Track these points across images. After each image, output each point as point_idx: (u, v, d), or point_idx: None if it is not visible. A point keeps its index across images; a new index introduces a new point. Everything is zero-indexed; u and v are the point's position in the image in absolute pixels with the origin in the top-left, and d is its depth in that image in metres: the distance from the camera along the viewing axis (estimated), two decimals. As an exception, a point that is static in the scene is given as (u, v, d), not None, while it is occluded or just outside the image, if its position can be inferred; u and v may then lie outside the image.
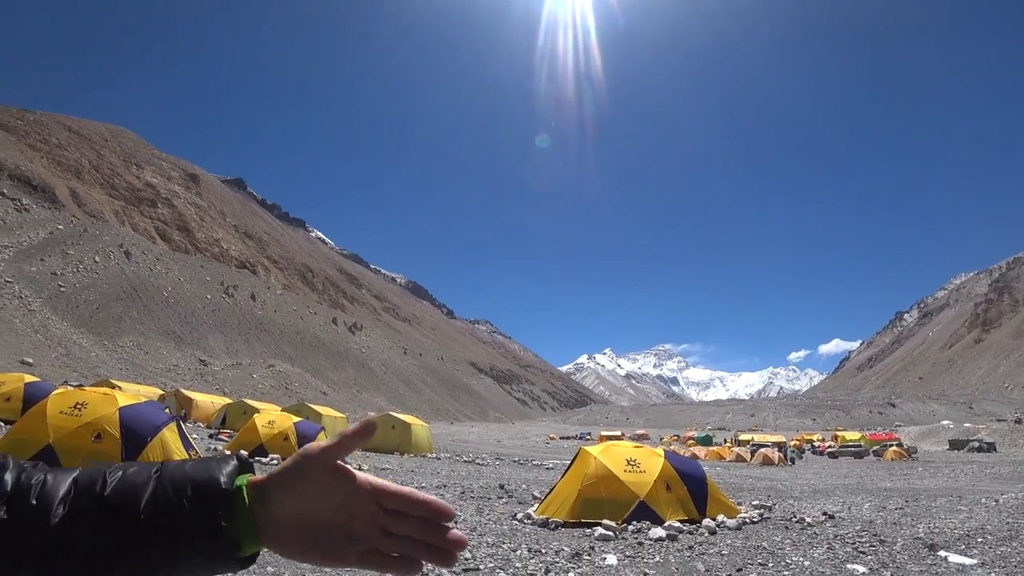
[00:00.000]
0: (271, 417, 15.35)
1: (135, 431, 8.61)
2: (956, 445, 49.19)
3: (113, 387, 24.14)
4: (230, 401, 30.46)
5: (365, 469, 14.24)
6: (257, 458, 13.40)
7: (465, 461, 21.77)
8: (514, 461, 23.65)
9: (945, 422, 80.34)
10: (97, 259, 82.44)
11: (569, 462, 9.39)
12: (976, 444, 46.34)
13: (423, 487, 12.06)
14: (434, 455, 23.38)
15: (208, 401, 30.09)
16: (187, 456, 8.97)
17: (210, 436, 19.95)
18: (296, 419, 15.45)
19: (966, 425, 72.42)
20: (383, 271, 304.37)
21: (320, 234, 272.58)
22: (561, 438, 72.41)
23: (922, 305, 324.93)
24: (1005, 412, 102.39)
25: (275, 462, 13.09)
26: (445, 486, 12.52)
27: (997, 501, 12.15)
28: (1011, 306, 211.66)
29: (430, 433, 26.02)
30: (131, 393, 13.07)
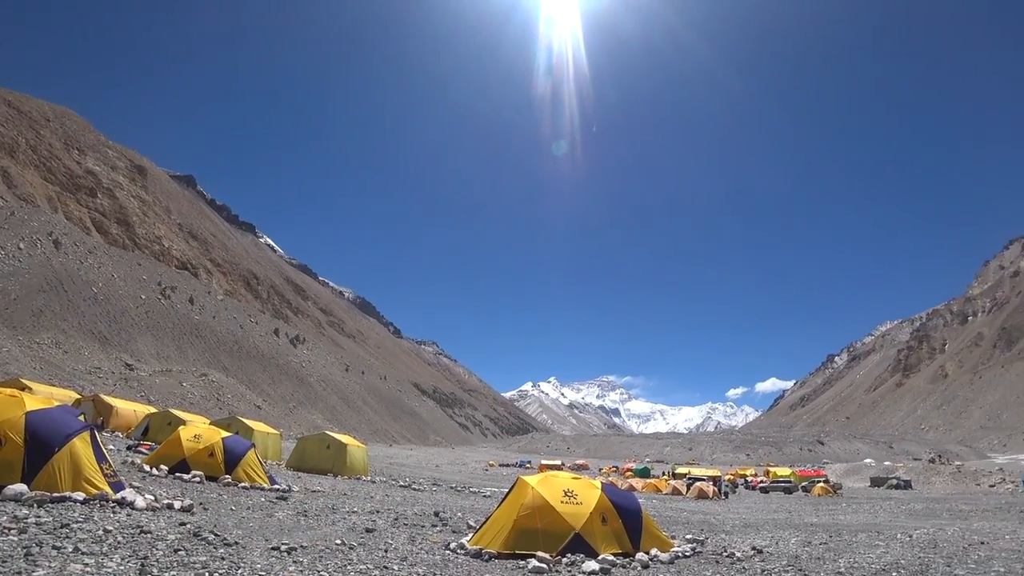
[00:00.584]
0: (198, 430, 14.49)
1: (41, 439, 7.91)
2: (877, 482, 51.55)
3: (23, 388, 22.34)
4: (155, 410, 28.71)
5: (296, 491, 13.67)
6: (178, 474, 12.63)
7: (401, 486, 21.20)
8: (451, 487, 23.22)
9: (868, 460, 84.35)
10: (22, 246, 76.95)
11: (507, 491, 9.26)
12: (894, 482, 48.80)
13: (355, 512, 11.63)
14: (369, 478, 22.65)
15: (130, 409, 28.20)
16: (98, 469, 8.34)
17: (128, 448, 18.68)
18: (225, 434, 14.59)
19: (886, 463, 76.31)
20: (332, 284, 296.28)
21: (270, 241, 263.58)
22: (501, 465, 71.70)
23: (851, 349, 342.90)
24: (921, 452, 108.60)
25: (197, 479, 12.36)
26: (378, 512, 12.11)
27: (911, 536, 12.79)
28: (929, 353, 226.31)
29: (367, 455, 25.22)
30: (42, 396, 12.06)
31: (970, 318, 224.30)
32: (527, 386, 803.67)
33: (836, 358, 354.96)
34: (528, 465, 73.20)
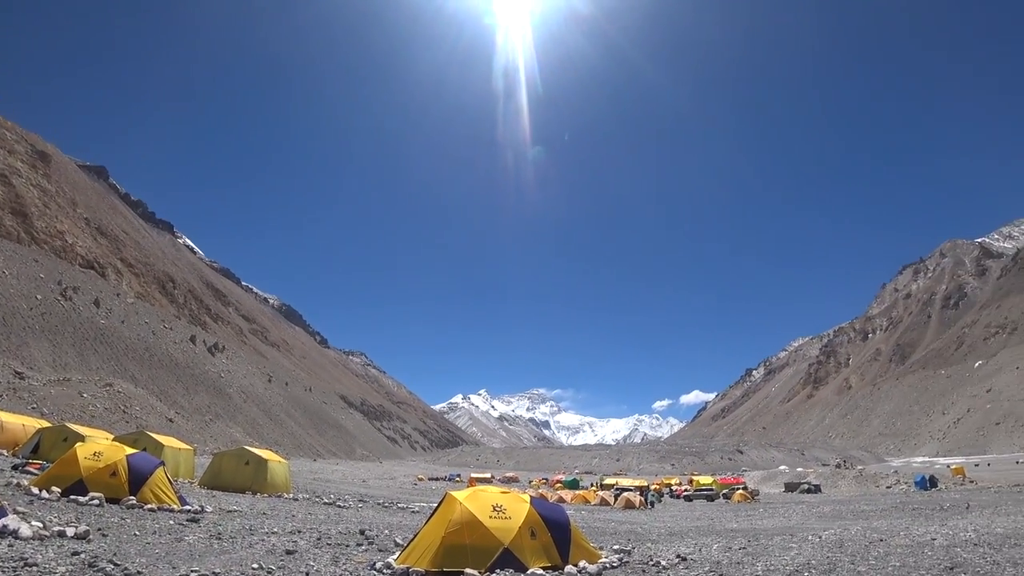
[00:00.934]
0: (98, 447, 13.26)
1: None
2: (790, 487, 54.58)
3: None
4: (48, 424, 26.17)
5: (209, 511, 12.79)
6: (74, 496, 11.46)
7: (325, 503, 20.36)
8: (379, 503, 22.54)
9: (782, 467, 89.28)
10: None
11: (435, 506, 9.08)
12: (805, 486, 51.94)
13: (274, 532, 11.02)
14: (291, 495, 21.55)
15: (18, 423, 25.45)
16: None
17: (14, 468, 16.83)
18: (130, 451, 13.41)
19: (798, 469, 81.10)
20: (255, 290, 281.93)
21: (189, 241, 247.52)
22: (430, 479, 70.53)
23: (767, 364, 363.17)
24: (829, 458, 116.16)
25: (96, 502, 11.29)
26: (300, 531, 11.54)
27: (820, 537, 13.61)
28: (835, 367, 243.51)
29: (289, 470, 24.01)
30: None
31: (870, 335, 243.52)
32: (457, 398, 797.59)
33: (754, 372, 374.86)
34: (458, 479, 72.47)
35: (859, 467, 79.44)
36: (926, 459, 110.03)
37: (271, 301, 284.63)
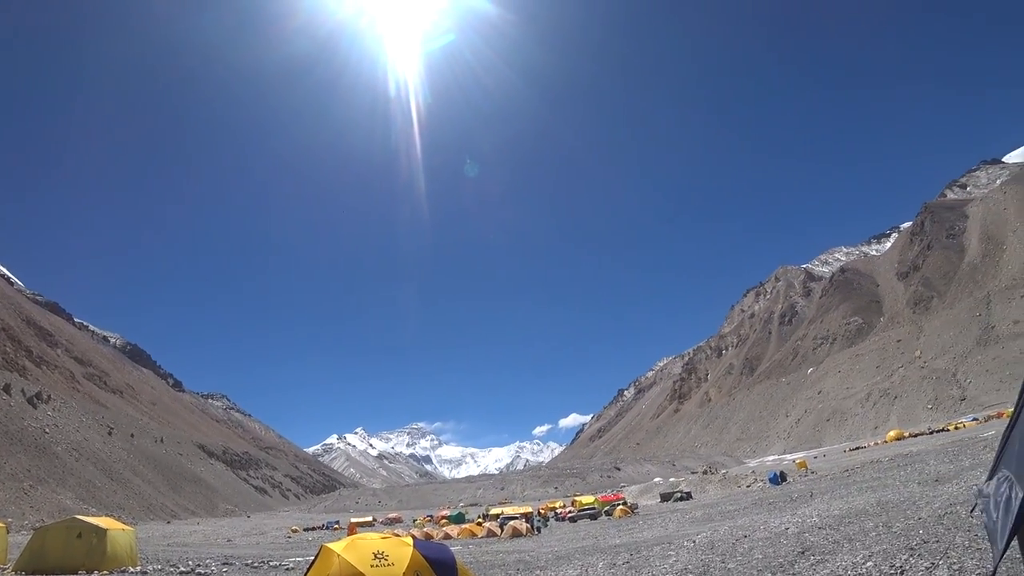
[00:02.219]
0: None
1: None
2: (665, 497, 57.48)
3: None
4: None
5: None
6: None
7: (182, 572, 17.94)
8: (247, 564, 20.35)
9: (657, 479, 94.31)
10: None
11: (310, 561, 8.31)
12: (678, 495, 55.09)
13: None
14: (138, 568, 18.67)
15: None
16: None
17: None
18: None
19: (671, 479, 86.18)
20: (92, 327, 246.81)
21: (3, 269, 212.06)
22: (306, 529, 65.48)
23: (637, 383, 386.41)
24: (697, 466, 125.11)
25: None
26: (145, 609, 9.98)
27: (694, 542, 14.46)
28: (696, 383, 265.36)
29: (135, 538, 20.78)
30: None
31: (724, 352, 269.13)
32: (332, 439, 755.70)
33: (625, 392, 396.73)
34: (337, 526, 68.19)
35: (723, 471, 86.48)
36: (776, 457, 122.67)
37: (112, 340, 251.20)
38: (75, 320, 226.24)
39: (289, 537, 49.59)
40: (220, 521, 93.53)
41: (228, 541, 43.82)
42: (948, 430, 68.66)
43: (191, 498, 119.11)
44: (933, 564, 7.73)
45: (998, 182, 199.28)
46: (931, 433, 71.12)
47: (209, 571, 18.00)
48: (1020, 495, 3.72)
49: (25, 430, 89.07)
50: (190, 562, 21.08)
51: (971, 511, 9.33)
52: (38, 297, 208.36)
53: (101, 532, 18.12)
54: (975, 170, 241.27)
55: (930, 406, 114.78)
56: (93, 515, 22.62)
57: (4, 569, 17.28)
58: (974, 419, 75.70)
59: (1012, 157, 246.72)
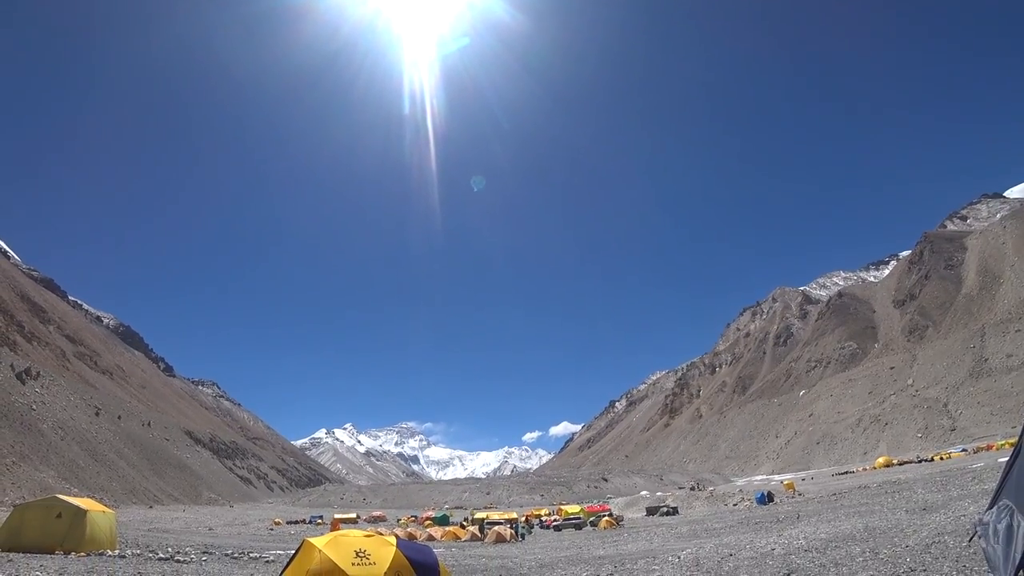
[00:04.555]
0: None
1: None
2: (651, 511, 57.27)
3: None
4: None
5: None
6: None
7: (160, 558, 17.73)
8: (227, 555, 20.15)
9: (644, 492, 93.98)
10: None
11: (291, 555, 8.20)
12: (665, 509, 54.86)
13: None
14: (117, 552, 18.44)
15: None
16: None
17: None
18: None
19: (658, 493, 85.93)
20: (86, 306, 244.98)
21: (0, 242, 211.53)
22: (288, 522, 65.15)
23: (629, 395, 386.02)
24: (684, 481, 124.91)
25: None
26: (121, 594, 9.84)
27: (679, 557, 14.37)
28: (688, 398, 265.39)
29: (115, 522, 20.55)
30: None
31: (717, 369, 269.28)
32: (320, 433, 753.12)
33: (617, 403, 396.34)
34: (320, 521, 67.89)
35: (710, 488, 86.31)
36: (764, 477, 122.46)
37: (105, 320, 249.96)
38: (69, 298, 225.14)
39: (271, 529, 49.27)
40: (203, 509, 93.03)
41: (209, 530, 43.53)
42: (935, 460, 68.67)
43: (175, 484, 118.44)
44: (920, 594, 7.65)
45: (998, 216, 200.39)
46: (919, 462, 71.07)
47: (189, 559, 17.81)
48: (1022, 524, 3.68)
49: (12, 405, 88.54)
50: (170, 548, 20.87)
51: (969, 540, 9.28)
52: (34, 272, 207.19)
53: (81, 513, 17.92)
54: (976, 202, 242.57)
55: (920, 435, 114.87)
56: (75, 495, 22.36)
57: (-19, 545, 17.07)
58: (963, 450, 75.77)
59: (1013, 192, 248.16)
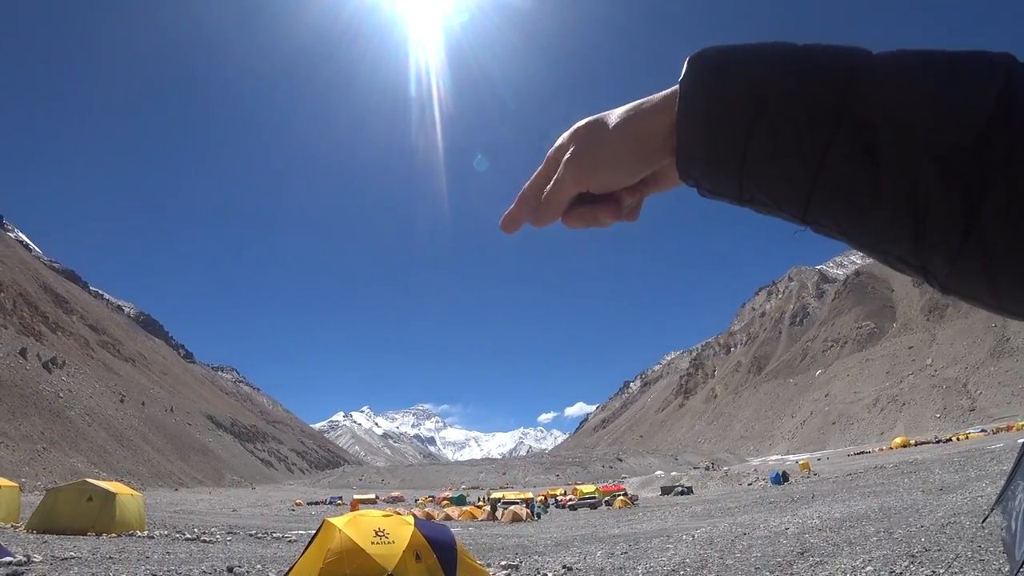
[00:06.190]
0: None
1: None
2: (665, 491, 57.69)
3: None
4: None
5: (38, 560, 10.95)
6: None
7: (187, 539, 18.32)
8: (250, 535, 20.74)
9: (658, 472, 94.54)
10: None
11: (312, 534, 8.45)
12: (679, 489, 55.26)
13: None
14: (146, 533, 19.11)
15: None
16: None
17: None
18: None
19: (673, 473, 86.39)
20: (107, 296, 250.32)
21: (23, 236, 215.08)
22: (309, 503, 66.48)
23: (643, 376, 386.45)
24: (699, 461, 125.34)
25: None
26: (155, 575, 10.24)
27: (693, 536, 14.54)
28: (703, 379, 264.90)
29: (143, 504, 21.26)
30: None
31: (732, 349, 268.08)
32: (338, 416, 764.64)
33: (631, 384, 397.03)
34: (340, 502, 69.15)
35: (725, 468, 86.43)
36: (779, 457, 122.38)
37: (126, 309, 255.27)
38: (91, 288, 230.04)
39: (293, 510, 50.43)
40: (226, 491, 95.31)
41: (233, 511, 44.67)
42: (954, 440, 68.03)
43: (198, 467, 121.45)
44: (934, 572, 7.71)
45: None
46: (937, 442, 70.48)
47: (214, 539, 18.37)
48: None
49: (40, 394, 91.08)
50: (196, 529, 21.56)
51: (983, 520, 9.30)
52: (55, 264, 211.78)
53: (111, 496, 18.57)
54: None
55: (938, 415, 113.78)
56: (103, 479, 23.10)
57: (16, 527, 17.77)
58: (982, 430, 74.93)
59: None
